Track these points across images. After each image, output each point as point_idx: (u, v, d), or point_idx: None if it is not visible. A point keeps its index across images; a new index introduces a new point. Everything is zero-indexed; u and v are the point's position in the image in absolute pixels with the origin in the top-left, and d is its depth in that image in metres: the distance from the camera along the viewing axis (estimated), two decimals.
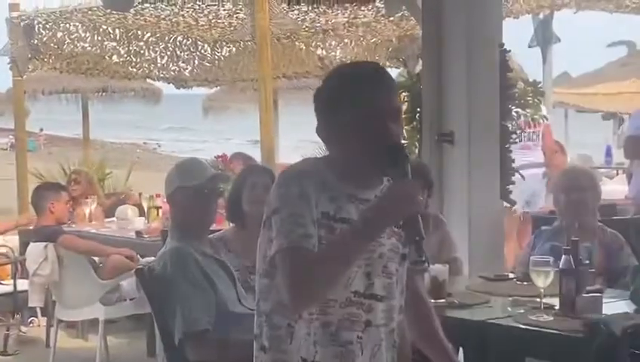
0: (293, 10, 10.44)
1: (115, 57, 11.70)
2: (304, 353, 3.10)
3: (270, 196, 3.12)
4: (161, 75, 12.48)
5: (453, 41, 6.98)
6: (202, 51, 12.21)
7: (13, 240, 9.66)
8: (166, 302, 4.75)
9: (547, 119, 8.55)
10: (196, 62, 12.28)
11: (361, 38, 12.02)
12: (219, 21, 11.05)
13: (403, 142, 3.33)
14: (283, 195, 3.07)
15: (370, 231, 3.04)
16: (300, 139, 25.34)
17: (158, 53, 11.94)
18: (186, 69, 12.31)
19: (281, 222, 3.02)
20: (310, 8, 10.08)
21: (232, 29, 11.28)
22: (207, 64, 12.36)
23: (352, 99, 3.13)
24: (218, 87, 15.41)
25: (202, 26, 11.28)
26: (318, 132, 3.21)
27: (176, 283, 4.62)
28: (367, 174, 3.15)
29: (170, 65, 12.14)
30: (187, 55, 12.16)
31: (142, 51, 11.82)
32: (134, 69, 12.11)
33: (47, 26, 11.14)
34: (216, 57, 12.32)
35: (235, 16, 10.82)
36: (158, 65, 12.09)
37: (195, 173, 4.99)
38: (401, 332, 3.37)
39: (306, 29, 11.47)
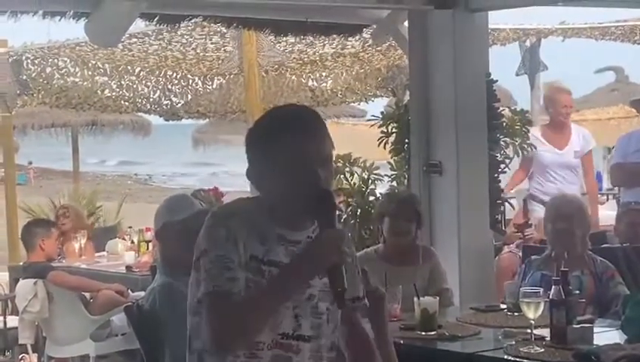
0: (280, 43, 10.46)
1: (106, 91, 11.70)
2: None
3: (200, 237, 3.11)
4: (153, 109, 12.49)
5: (440, 71, 7.01)
6: (193, 85, 12.21)
7: (2, 276, 9.64)
8: (155, 338, 4.73)
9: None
10: (189, 96, 12.28)
11: (350, 69, 12.04)
12: (207, 54, 11.08)
13: (330, 189, 3.30)
14: (211, 237, 3.06)
15: (294, 279, 3.04)
16: None
17: (151, 87, 11.94)
18: (179, 103, 12.31)
19: (209, 264, 3.01)
20: (297, 40, 10.08)
21: (220, 62, 11.30)
22: (199, 97, 12.37)
23: (280, 145, 3.11)
24: (207, 120, 15.44)
25: (190, 60, 11.30)
26: (248, 174, 3.19)
27: (165, 320, 4.60)
28: (296, 216, 3.13)
29: (163, 99, 12.15)
30: (179, 89, 12.16)
31: (134, 86, 11.82)
32: (126, 103, 12.10)
33: (36, 62, 11.14)
34: (208, 90, 12.33)
35: (222, 49, 10.85)
36: (151, 99, 12.10)
37: (182, 208, 4.98)
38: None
39: (294, 60, 11.49)
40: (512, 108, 8.59)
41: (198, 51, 10.95)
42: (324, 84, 12.29)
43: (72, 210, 10.16)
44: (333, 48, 11.00)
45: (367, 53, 10.98)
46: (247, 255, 3.03)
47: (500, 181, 7.47)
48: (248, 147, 3.20)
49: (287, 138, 3.12)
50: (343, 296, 3.05)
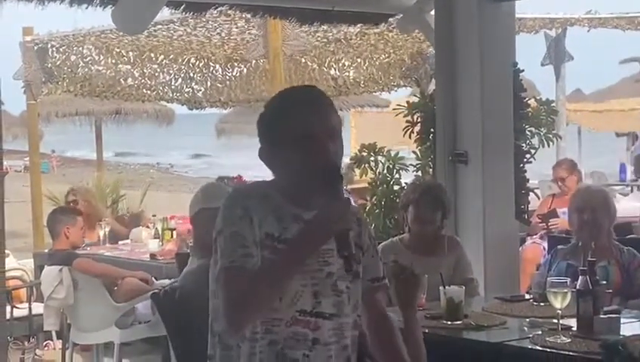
0: (303, 28, 10.40)
1: (129, 80, 11.70)
2: None
3: (218, 217, 3.18)
4: (175, 97, 12.48)
5: (466, 60, 6.99)
6: (214, 72, 12.19)
7: (28, 263, 9.67)
8: (184, 322, 4.75)
9: (561, 138, 8.54)
10: (209, 83, 12.26)
11: (374, 57, 12.00)
12: (231, 38, 11.05)
13: (346, 161, 3.37)
14: (227, 217, 3.13)
15: (304, 250, 3.10)
16: None
17: (172, 75, 11.93)
18: (199, 90, 12.30)
19: (224, 242, 3.09)
20: (318, 27, 10.03)
21: (244, 46, 11.26)
22: (219, 85, 12.34)
23: (287, 124, 3.19)
24: (231, 108, 15.43)
25: (215, 43, 11.27)
26: (261, 155, 3.27)
27: (202, 299, 4.62)
28: (308, 195, 3.17)
29: (184, 87, 12.13)
30: (199, 76, 12.14)
31: (156, 74, 11.79)
32: (148, 92, 12.09)
33: (61, 50, 11.14)
34: (228, 77, 12.30)
35: (247, 32, 10.82)
36: (172, 87, 12.08)
37: (217, 196, 5.02)
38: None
39: (319, 39, 11.38)
40: (538, 98, 8.59)
41: (223, 35, 10.91)
42: (347, 74, 12.24)
43: (81, 199, 10.13)
44: (355, 35, 10.96)
45: (392, 35, 10.87)
46: (262, 233, 3.09)
47: (525, 171, 7.44)
48: (259, 128, 3.29)
49: (294, 114, 3.21)
50: (350, 262, 3.12)
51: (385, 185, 7.77)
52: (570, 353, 4.51)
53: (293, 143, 3.14)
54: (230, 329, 3.12)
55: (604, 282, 5.06)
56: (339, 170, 3.19)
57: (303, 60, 11.77)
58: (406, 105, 7.90)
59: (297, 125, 3.16)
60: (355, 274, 3.22)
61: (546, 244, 7.90)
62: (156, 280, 8.09)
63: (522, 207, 7.48)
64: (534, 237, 8.89)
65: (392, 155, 7.95)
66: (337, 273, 3.17)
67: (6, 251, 6.26)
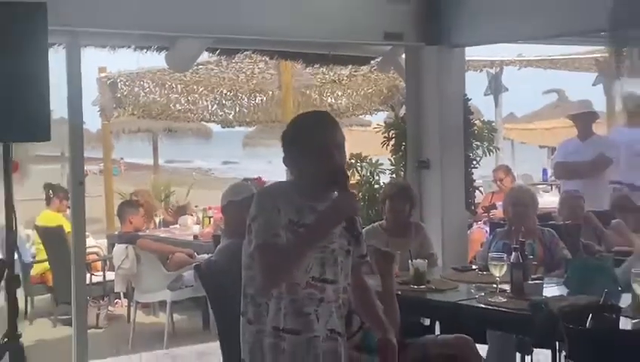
0: (309, 69, 10.41)
1: (177, 106, 11.70)
2: (277, 323, 3.14)
3: (251, 207, 3.20)
4: (212, 119, 12.50)
5: (429, 91, 7.00)
6: (241, 100, 12.20)
7: (102, 242, 9.69)
8: (219, 286, 4.72)
9: (499, 149, 8.55)
10: (237, 108, 12.27)
11: (360, 89, 11.99)
12: (254, 75, 11.06)
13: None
14: (259, 208, 3.16)
15: (321, 231, 3.14)
16: None
17: (210, 102, 11.94)
18: (230, 113, 12.30)
19: (258, 226, 3.11)
20: (319, 68, 10.04)
21: (263, 82, 11.28)
22: (245, 110, 12.35)
23: (306, 139, 3.22)
24: (254, 127, 15.42)
25: (241, 79, 11.28)
26: (285, 162, 3.29)
27: (230, 267, 4.59)
28: (320, 190, 3.19)
29: (219, 111, 12.14)
30: (230, 103, 12.15)
31: (197, 101, 11.81)
32: (192, 115, 12.10)
33: (127, 84, 11.13)
34: (251, 104, 12.30)
35: (266, 71, 10.83)
36: (209, 111, 12.09)
37: (241, 191, 5.04)
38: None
39: (319, 80, 11.42)
40: (481, 119, 8.60)
41: (247, 73, 10.92)
42: (340, 102, 12.22)
43: (141, 197, 10.14)
44: (348, 73, 10.95)
45: (374, 74, 10.86)
46: (286, 220, 3.11)
47: (472, 174, 7.47)
48: (284, 142, 3.30)
49: (310, 131, 3.25)
50: (359, 239, 3.25)
51: (368, 185, 7.77)
52: (506, 309, 4.54)
53: (311, 153, 3.17)
54: (264, 290, 3.14)
55: (531, 256, 5.10)
56: (345, 171, 3.23)
57: (308, 92, 11.76)
58: (383, 125, 7.93)
59: (314, 140, 3.19)
60: (348, 252, 3.26)
61: (487, 228, 7.90)
62: (198, 254, 8.13)
63: (470, 200, 7.52)
64: (479, 223, 8.88)
65: (373, 162, 7.94)
66: (337, 251, 3.20)
67: (86, 233, 6.25)
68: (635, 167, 8.13)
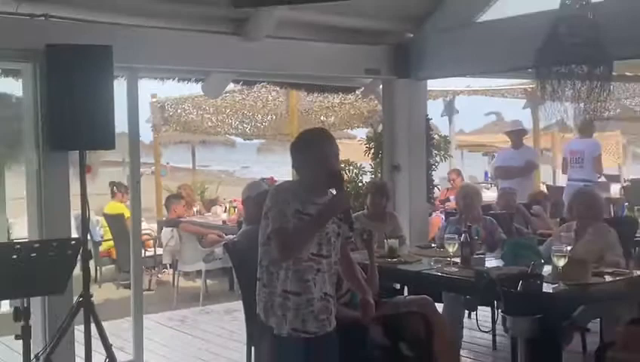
0: (309, 96, 10.40)
1: (209, 123, 11.67)
2: (284, 287, 3.13)
3: (267, 200, 3.19)
4: (235, 133, 12.48)
5: (399, 113, 6.96)
6: (257, 119, 12.17)
7: (153, 226, 9.67)
8: (241, 259, 4.69)
9: (452, 157, 8.56)
10: (254, 125, 12.24)
11: (347, 112, 11.94)
12: (268, 101, 11.05)
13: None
14: (274, 201, 3.14)
15: (322, 219, 3.13)
16: None
17: (234, 121, 11.92)
18: (248, 129, 12.27)
19: (274, 214, 3.10)
20: (317, 95, 10.02)
21: (275, 104, 11.27)
22: (260, 125, 12.32)
23: (310, 150, 3.21)
24: (266, 139, 15.43)
25: (258, 104, 11.27)
26: (293, 166, 3.29)
27: (249, 246, 4.57)
28: (320, 188, 3.19)
29: (240, 127, 12.13)
30: (248, 121, 12.11)
31: (225, 120, 11.78)
32: (220, 130, 12.11)
33: (172, 107, 11.09)
34: (265, 122, 12.26)
35: (278, 98, 10.84)
36: (233, 127, 12.08)
37: (256, 188, 5.01)
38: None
39: (316, 105, 11.38)
40: (439, 134, 8.60)
41: (263, 99, 10.91)
42: (330, 120, 12.16)
43: (184, 191, 10.15)
44: (338, 100, 10.93)
45: (358, 102, 10.86)
46: (293, 210, 3.09)
47: (432, 175, 7.44)
48: (292, 151, 3.29)
49: (315, 143, 3.23)
50: (352, 226, 3.25)
51: (353, 183, 7.75)
52: (457, 276, 4.57)
53: (314, 161, 3.16)
54: (278, 262, 3.13)
55: (476, 237, 5.10)
56: (341, 174, 3.23)
57: (308, 114, 11.72)
58: (365, 138, 7.93)
59: (316, 150, 3.19)
60: (338, 234, 3.25)
61: (443, 216, 7.89)
62: (225, 235, 8.10)
63: (430, 195, 7.50)
64: (437, 212, 8.90)
65: (358, 166, 7.94)
66: (330, 233, 3.19)
67: (141, 219, 6.25)
68: (594, 166, 8.15)
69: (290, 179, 8.62)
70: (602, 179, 11.10)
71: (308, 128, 3.55)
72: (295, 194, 3.14)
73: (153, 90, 11.27)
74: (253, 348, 4.73)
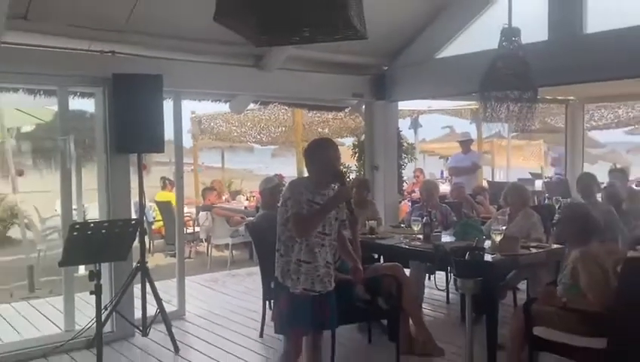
0: (310, 113, 10.37)
1: (235, 133, 11.63)
2: (298, 256, 3.11)
3: (285, 191, 3.16)
4: (254, 141, 12.44)
5: (378, 128, 6.96)
6: (271, 130, 12.13)
7: (192, 211, 9.70)
8: (259, 237, 4.70)
9: (417, 159, 8.55)
10: (269, 135, 12.20)
11: (338, 125, 11.91)
12: (279, 117, 11.03)
13: (344, 169, 3.41)
14: (292, 192, 3.10)
15: (329, 207, 3.09)
16: None
17: (253, 130, 11.89)
18: (264, 138, 12.23)
19: (292, 203, 3.06)
20: (316, 113, 9.98)
21: (285, 119, 11.25)
22: (273, 135, 12.28)
23: (319, 154, 3.16)
24: (277, 146, 15.37)
25: (272, 119, 11.26)
26: (306, 166, 3.24)
27: (266, 226, 4.57)
28: (326, 184, 3.16)
29: (258, 136, 12.10)
30: (265, 132, 12.07)
31: (247, 130, 11.73)
32: (243, 138, 12.06)
33: (207, 121, 11.04)
34: (277, 132, 12.23)
35: (286, 116, 10.83)
36: (253, 136, 12.06)
37: (270, 182, 5.02)
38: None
39: (315, 120, 11.36)
40: (407, 142, 8.60)
41: (276, 115, 10.90)
42: (325, 130, 12.13)
43: (216, 183, 10.14)
44: (331, 116, 10.90)
45: (347, 117, 10.86)
46: (305, 199, 3.06)
47: (402, 173, 7.43)
48: (305, 155, 3.24)
49: (322, 149, 3.17)
50: (353, 213, 3.21)
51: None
52: (421, 249, 4.56)
53: (321, 163, 3.13)
54: (294, 238, 3.10)
55: (434, 220, 5.10)
56: (343, 173, 3.21)
57: (309, 126, 11.69)
58: (352, 145, 7.90)
59: (325, 154, 3.14)
60: (336, 218, 3.22)
61: (410, 203, 7.92)
62: (247, 218, 8.09)
63: (400, 188, 7.49)
64: (405, 200, 8.90)
65: (346, 166, 7.89)
66: (331, 217, 3.16)
67: (184, 205, 6.24)
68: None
69: (295, 176, 8.55)
70: (528, 176, 11.12)
71: (317, 138, 3.51)
72: (307, 188, 3.12)
73: (193, 108, 11.31)
74: (268, 302, 4.76)
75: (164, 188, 9.19)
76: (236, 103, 6.31)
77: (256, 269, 5.01)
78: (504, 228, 4.36)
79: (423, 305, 5.34)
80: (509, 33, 4.25)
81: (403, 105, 9.15)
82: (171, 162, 5.61)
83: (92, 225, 3.24)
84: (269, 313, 4.82)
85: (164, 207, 8.65)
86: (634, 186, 6.77)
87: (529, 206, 5.16)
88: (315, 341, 3.31)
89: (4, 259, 8.49)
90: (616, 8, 4.95)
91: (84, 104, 5.18)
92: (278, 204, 3.27)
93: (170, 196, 8.74)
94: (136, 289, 4.78)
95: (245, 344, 4.71)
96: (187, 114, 11.00)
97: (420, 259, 4.85)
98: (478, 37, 5.74)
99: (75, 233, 3.09)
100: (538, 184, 10.56)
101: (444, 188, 9.31)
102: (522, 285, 5.20)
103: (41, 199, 8.41)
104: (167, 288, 5.77)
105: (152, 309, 4.78)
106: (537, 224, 4.91)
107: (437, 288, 5.78)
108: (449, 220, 5.52)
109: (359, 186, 5.69)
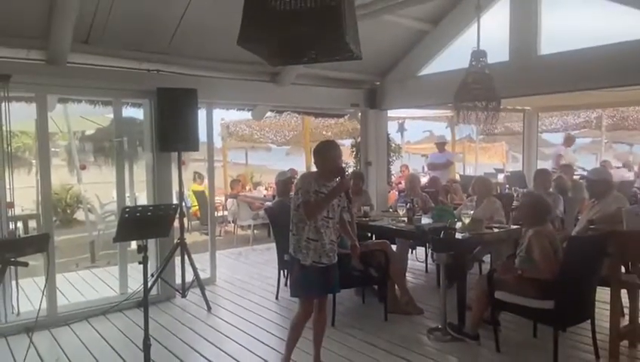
0: (316, 120, 10.31)
1: (256, 135, 11.63)
2: (308, 235, 3.09)
3: (298, 182, 3.12)
4: (271, 142, 12.41)
5: (371, 131, 6.91)
6: (285, 133, 12.08)
7: (222, 198, 9.69)
8: (276, 220, 4.70)
9: (402, 157, 8.50)
10: (283, 137, 12.16)
11: (339, 129, 11.86)
12: (291, 123, 11.01)
13: (344, 165, 3.36)
14: (303, 183, 3.07)
15: (332, 196, 3.06)
16: None
17: (270, 133, 11.87)
18: (279, 139, 12.20)
19: (302, 192, 3.04)
20: (321, 119, 9.92)
21: (295, 124, 11.22)
22: (286, 137, 12.24)
23: (325, 153, 3.12)
24: (290, 146, 15.32)
25: (283, 125, 11.23)
26: (314, 162, 3.18)
27: (281, 210, 4.58)
28: (330, 177, 3.12)
29: (274, 138, 12.07)
30: (280, 134, 12.04)
31: (265, 133, 11.74)
32: (263, 140, 12.04)
33: (233, 126, 11.01)
34: (290, 135, 12.19)
35: (297, 122, 10.81)
36: (270, 138, 12.04)
37: (284, 175, 5.01)
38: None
39: (320, 125, 11.29)
40: (395, 143, 8.56)
41: (288, 121, 10.87)
42: (329, 134, 12.08)
43: (241, 177, 10.13)
44: (334, 121, 10.83)
45: (347, 122, 10.79)
46: (313, 189, 3.03)
47: (390, 168, 7.41)
48: (314, 153, 3.18)
49: (328, 149, 3.12)
50: (351, 201, 3.15)
51: None
52: (405, 229, 4.53)
53: (327, 160, 3.09)
54: (305, 220, 3.07)
55: (416, 205, 5.05)
56: (344, 169, 3.15)
57: (315, 130, 11.62)
58: (350, 145, 7.87)
59: (330, 153, 3.10)
60: (338, 205, 3.20)
61: (397, 192, 7.89)
62: (265, 204, 8.06)
63: (389, 180, 7.45)
64: (393, 190, 8.87)
65: (345, 162, 7.88)
66: (336, 204, 3.14)
67: (215, 193, 6.25)
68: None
69: (304, 171, 8.54)
70: (492, 171, 11.06)
71: (323, 140, 3.49)
72: (315, 180, 3.10)
73: (222, 115, 11.20)
74: (282, 271, 4.79)
75: (194, 181, 9.19)
76: (257, 112, 6.31)
77: (273, 245, 5.03)
78: (472, 212, 4.36)
79: (407, 274, 5.35)
80: (478, 55, 4.25)
81: (392, 113, 9.11)
82: (205, 159, 5.60)
83: (140, 208, 3.25)
84: (282, 280, 4.86)
85: (199, 195, 8.63)
86: (578, 179, 6.73)
87: (492, 194, 5.15)
88: (321, 303, 3.32)
89: (71, 236, 8.55)
90: (564, 34, 4.97)
91: (134, 112, 5.23)
92: (292, 193, 3.27)
93: (202, 187, 8.75)
94: (177, 260, 4.82)
95: (264, 304, 4.74)
96: (217, 120, 11.00)
97: (405, 237, 4.84)
98: (452, 58, 5.75)
99: (126, 215, 3.11)
100: (500, 177, 10.52)
101: (424, 180, 9.29)
102: (486, 258, 5.19)
103: (100, 188, 8.44)
104: (201, 260, 5.76)
105: (189, 276, 4.82)
106: (499, 209, 4.90)
107: (417, 260, 5.78)
108: (428, 206, 5.51)
109: (356, 178, 5.66)
